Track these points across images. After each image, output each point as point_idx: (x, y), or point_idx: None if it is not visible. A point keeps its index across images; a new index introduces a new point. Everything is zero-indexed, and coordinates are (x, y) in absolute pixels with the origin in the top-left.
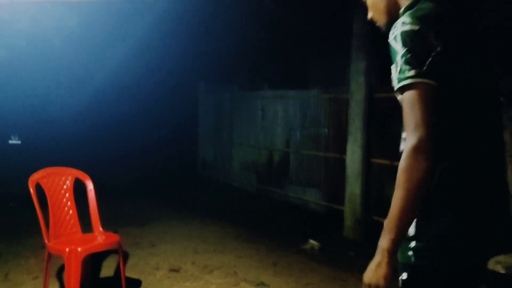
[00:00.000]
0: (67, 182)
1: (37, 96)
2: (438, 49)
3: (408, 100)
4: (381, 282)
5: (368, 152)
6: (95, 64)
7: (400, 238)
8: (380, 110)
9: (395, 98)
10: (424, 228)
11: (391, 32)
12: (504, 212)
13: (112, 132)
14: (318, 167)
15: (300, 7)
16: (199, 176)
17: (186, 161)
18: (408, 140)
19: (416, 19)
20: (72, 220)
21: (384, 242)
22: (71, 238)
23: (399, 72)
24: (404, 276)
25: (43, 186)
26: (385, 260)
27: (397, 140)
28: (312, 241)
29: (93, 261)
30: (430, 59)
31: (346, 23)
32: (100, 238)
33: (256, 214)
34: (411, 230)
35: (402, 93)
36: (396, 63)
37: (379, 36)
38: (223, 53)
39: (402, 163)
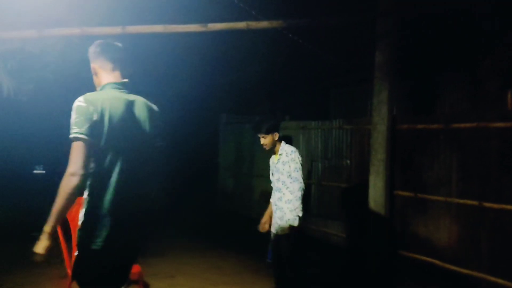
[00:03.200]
0: None
1: (62, 127)
2: (95, 118)
3: (73, 146)
4: (40, 250)
5: (391, 184)
6: None
7: (55, 225)
8: (403, 141)
9: (419, 130)
10: (92, 224)
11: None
12: (142, 212)
13: None
14: (340, 199)
15: (322, 38)
16: (218, 207)
17: (205, 192)
18: (68, 168)
19: (85, 99)
20: None
21: (46, 227)
22: None
23: (71, 129)
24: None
25: (66, 216)
26: (45, 237)
27: (421, 171)
28: None
29: None
30: (88, 124)
31: (368, 54)
32: None
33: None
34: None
35: (72, 142)
36: (71, 123)
37: (402, 67)
38: (244, 85)
39: (62, 181)
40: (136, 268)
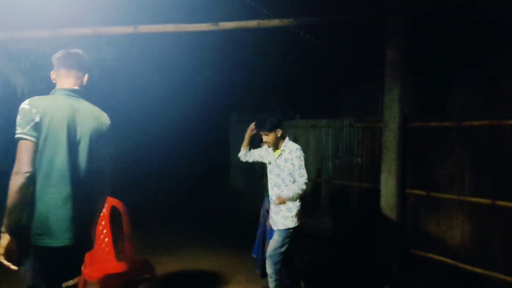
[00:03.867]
0: (104, 210)
1: None
2: (37, 120)
3: (18, 146)
4: (0, 249)
5: (403, 182)
6: (131, 95)
7: (10, 224)
8: (414, 139)
9: (431, 128)
10: (31, 221)
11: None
12: (83, 209)
13: (145, 160)
14: (351, 197)
15: (333, 36)
16: (229, 205)
17: (216, 190)
18: (14, 168)
19: (29, 102)
20: (107, 248)
21: (2, 226)
22: (106, 265)
23: (16, 130)
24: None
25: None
26: (2, 236)
27: (433, 170)
28: None
29: None
30: (30, 125)
31: (379, 52)
32: (134, 266)
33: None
34: (28, 223)
35: (17, 142)
36: (16, 124)
37: (413, 64)
38: (255, 83)
39: (10, 181)
40: (148, 266)
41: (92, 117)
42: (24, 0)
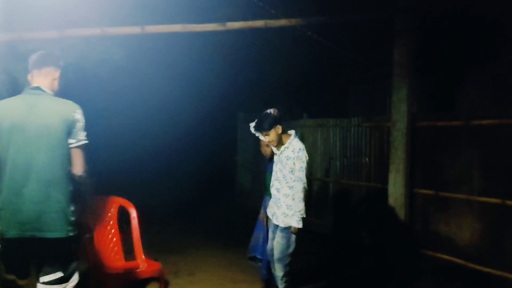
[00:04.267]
0: (112, 210)
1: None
2: None
3: None
4: None
5: (411, 182)
6: (138, 94)
7: None
8: (423, 139)
9: (439, 127)
10: None
11: None
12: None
13: (153, 160)
14: (359, 197)
15: (341, 35)
16: (236, 204)
17: (224, 189)
18: None
19: None
20: (115, 248)
21: None
22: (115, 265)
23: None
24: None
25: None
26: None
27: (442, 169)
28: None
29: None
30: None
31: (387, 51)
32: (142, 265)
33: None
34: None
35: None
36: None
37: (421, 63)
38: (262, 83)
39: None
40: (156, 266)
41: (52, 112)
42: (32, 1)
